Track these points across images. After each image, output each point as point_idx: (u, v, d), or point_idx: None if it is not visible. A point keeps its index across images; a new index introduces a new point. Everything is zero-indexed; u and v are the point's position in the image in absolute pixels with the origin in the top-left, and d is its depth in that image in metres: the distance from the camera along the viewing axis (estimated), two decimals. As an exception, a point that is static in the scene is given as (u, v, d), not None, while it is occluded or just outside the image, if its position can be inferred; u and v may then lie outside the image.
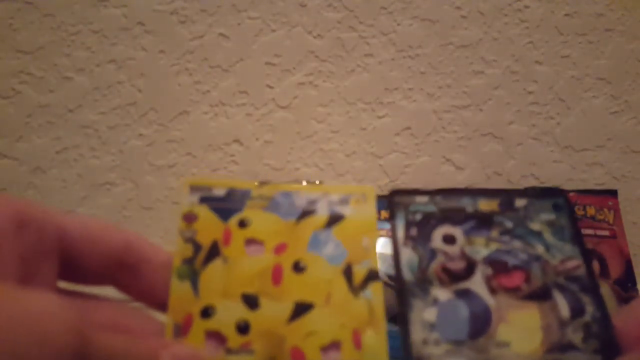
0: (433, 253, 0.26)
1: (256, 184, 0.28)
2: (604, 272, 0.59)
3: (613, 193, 0.64)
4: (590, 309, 0.25)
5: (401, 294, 0.25)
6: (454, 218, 0.27)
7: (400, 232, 0.27)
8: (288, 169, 0.63)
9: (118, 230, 0.24)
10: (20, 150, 0.60)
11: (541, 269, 0.25)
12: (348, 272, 0.26)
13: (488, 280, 0.25)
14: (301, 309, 0.25)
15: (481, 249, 0.26)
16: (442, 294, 0.25)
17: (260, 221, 0.27)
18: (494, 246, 0.26)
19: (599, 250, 0.60)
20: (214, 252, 0.27)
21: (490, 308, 0.24)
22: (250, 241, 0.27)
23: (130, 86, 0.62)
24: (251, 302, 0.25)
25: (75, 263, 0.23)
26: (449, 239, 0.26)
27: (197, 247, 0.27)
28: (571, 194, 0.63)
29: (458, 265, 0.25)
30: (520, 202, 0.27)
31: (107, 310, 0.24)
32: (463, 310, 0.25)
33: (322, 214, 0.27)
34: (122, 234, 0.24)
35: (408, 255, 0.26)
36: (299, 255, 0.27)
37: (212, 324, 0.25)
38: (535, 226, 0.27)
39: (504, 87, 0.66)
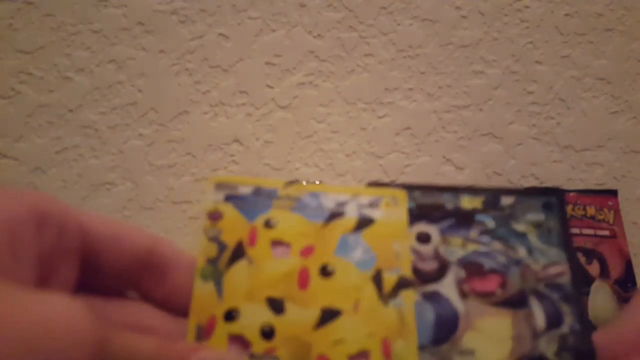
0: None
1: (283, 183, 0.27)
2: (604, 272, 0.59)
3: (613, 193, 0.64)
4: (569, 320, 0.23)
5: None
6: (432, 215, 0.26)
7: None
8: (288, 169, 0.63)
9: (142, 232, 0.24)
10: (20, 150, 0.60)
11: (520, 274, 0.24)
12: (378, 279, 0.25)
13: (460, 284, 0.24)
14: (328, 316, 0.24)
15: (457, 250, 0.25)
16: None
17: (287, 222, 0.27)
18: (471, 247, 0.25)
19: (599, 250, 0.60)
20: (239, 252, 0.26)
21: (459, 313, 0.23)
22: (276, 242, 0.26)
23: (130, 86, 0.62)
24: (276, 306, 0.25)
25: (96, 264, 0.22)
26: (424, 238, 0.25)
27: (221, 246, 0.26)
28: (571, 194, 0.63)
29: (430, 266, 0.24)
30: (507, 201, 0.26)
31: (130, 310, 0.23)
32: (429, 313, 0.23)
33: (351, 216, 0.26)
34: (146, 236, 0.24)
35: None
36: (326, 259, 0.26)
37: (236, 327, 0.24)
38: (520, 227, 0.25)
39: (504, 87, 0.66)
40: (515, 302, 0.23)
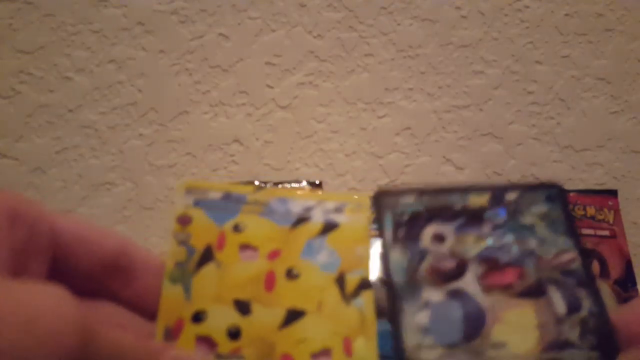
0: (422, 253, 0.25)
1: (252, 189, 0.28)
2: (604, 272, 0.59)
3: (613, 193, 0.64)
4: (586, 304, 0.24)
5: (392, 298, 0.24)
6: (443, 216, 0.26)
7: (389, 234, 0.26)
8: (288, 169, 0.63)
9: (112, 234, 0.24)
10: (20, 150, 0.60)
11: (535, 264, 0.25)
12: (341, 280, 0.26)
13: (480, 279, 0.24)
14: (293, 316, 0.25)
15: (472, 247, 0.25)
16: (433, 295, 0.24)
17: (255, 226, 0.27)
18: (484, 243, 0.25)
19: (599, 250, 0.60)
20: (207, 256, 0.26)
21: (484, 308, 0.24)
22: (244, 246, 0.27)
23: (130, 86, 0.62)
24: (243, 307, 0.25)
25: (66, 265, 0.23)
26: (439, 238, 0.25)
27: (190, 250, 0.27)
28: (571, 194, 0.63)
29: (448, 265, 0.25)
30: (511, 196, 0.26)
31: (101, 311, 0.24)
32: (456, 311, 0.24)
33: (317, 221, 0.27)
34: (115, 238, 0.24)
35: (397, 257, 0.25)
36: (292, 262, 0.26)
37: (203, 328, 0.25)
38: (527, 220, 0.26)
39: (504, 87, 0.66)
40: (535, 292, 0.24)
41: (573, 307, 0.24)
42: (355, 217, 0.27)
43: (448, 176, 0.65)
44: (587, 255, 0.25)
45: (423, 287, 0.24)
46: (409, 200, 0.26)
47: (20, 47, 0.60)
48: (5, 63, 0.60)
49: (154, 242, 0.61)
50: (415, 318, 0.24)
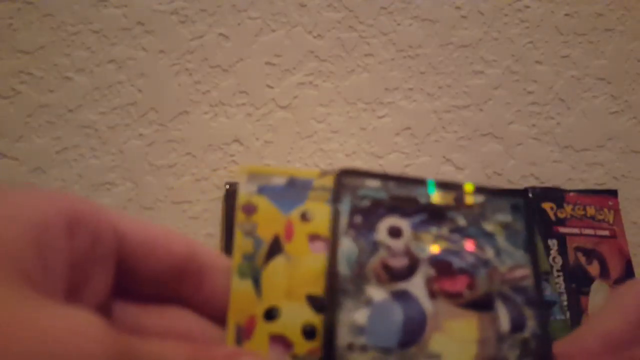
0: (375, 246, 0.23)
1: (317, 173, 0.25)
2: (604, 272, 0.59)
3: (613, 193, 0.64)
4: (531, 324, 0.22)
5: (332, 289, 0.22)
6: (404, 209, 0.24)
7: (344, 219, 0.23)
8: (288, 169, 0.63)
9: (180, 238, 0.22)
10: (20, 150, 0.60)
11: (487, 275, 0.23)
12: None
13: (429, 283, 0.22)
14: None
15: (427, 246, 0.23)
16: (377, 293, 0.22)
17: (324, 215, 0.24)
18: (441, 244, 0.23)
19: (599, 250, 0.60)
20: (275, 247, 0.24)
21: (427, 314, 0.22)
22: (313, 237, 0.24)
23: (130, 86, 0.62)
24: (317, 304, 0.23)
25: (132, 271, 0.21)
26: (395, 232, 0.23)
27: (257, 242, 0.24)
28: (571, 194, 0.63)
29: (400, 263, 0.23)
30: (477, 199, 0.24)
31: (168, 316, 0.22)
32: (397, 314, 0.22)
33: None
34: (183, 242, 0.22)
35: (348, 246, 0.23)
36: None
37: (276, 327, 0.22)
38: (489, 227, 0.24)
39: (504, 87, 0.66)
40: (482, 304, 0.23)
41: (517, 326, 0.22)
42: None
43: (448, 176, 0.65)
44: (539, 273, 0.24)
45: (368, 283, 0.22)
46: (372, 185, 0.24)
47: (20, 47, 0.60)
48: (5, 63, 0.60)
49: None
50: (352, 315, 0.22)
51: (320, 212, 0.25)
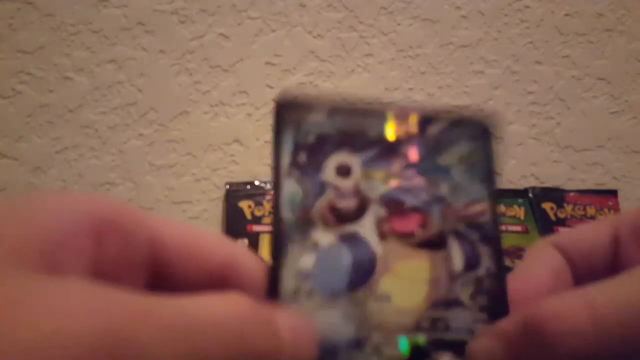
0: (322, 187, 0.21)
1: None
2: (604, 272, 0.59)
3: (613, 193, 0.64)
4: (485, 262, 0.21)
5: (276, 236, 0.21)
6: (354, 144, 0.22)
7: (286, 158, 0.21)
8: (288, 169, 0.63)
9: (221, 244, 0.21)
10: (20, 150, 0.60)
11: (441, 212, 0.22)
12: None
13: (379, 223, 0.21)
14: None
15: (379, 185, 0.22)
16: (324, 237, 0.21)
17: None
18: (393, 182, 0.22)
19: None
20: None
21: (376, 256, 0.21)
22: None
23: (130, 86, 0.62)
24: None
25: (166, 277, 0.20)
26: (344, 171, 0.21)
27: None
28: (571, 194, 0.63)
29: (349, 204, 0.21)
30: (434, 129, 0.22)
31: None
32: (345, 257, 0.21)
33: None
34: (224, 249, 0.21)
35: (291, 188, 0.21)
36: None
37: None
38: (445, 160, 0.22)
39: (504, 87, 0.66)
40: (434, 243, 0.22)
41: (470, 264, 0.21)
42: None
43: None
44: (497, 207, 0.22)
45: (315, 227, 0.21)
46: (317, 119, 0.22)
47: (20, 47, 0.60)
48: (6, 63, 0.60)
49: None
50: (298, 261, 0.20)
51: None
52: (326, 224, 0.21)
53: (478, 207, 0.22)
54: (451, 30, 0.66)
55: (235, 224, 0.58)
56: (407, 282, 0.21)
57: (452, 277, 0.21)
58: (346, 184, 0.21)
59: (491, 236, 0.22)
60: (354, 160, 0.22)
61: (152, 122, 0.62)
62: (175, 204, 0.61)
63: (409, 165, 0.22)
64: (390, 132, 0.22)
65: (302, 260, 0.21)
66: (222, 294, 0.17)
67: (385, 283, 0.21)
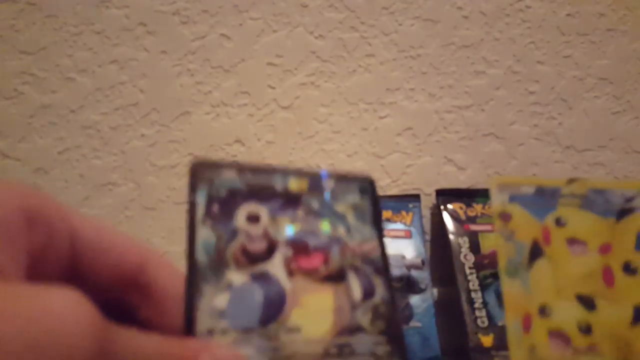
0: (234, 233, 0.24)
1: (564, 181, 0.28)
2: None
3: (615, 193, 0.64)
4: (380, 291, 0.25)
5: (191, 278, 0.22)
6: (261, 196, 0.25)
7: (200, 210, 0.24)
8: (290, 169, 0.63)
9: (135, 247, 0.22)
10: (22, 150, 0.60)
11: (340, 250, 0.25)
12: None
13: (287, 262, 0.24)
14: None
15: (284, 229, 0.25)
16: (237, 277, 0.23)
17: (578, 220, 0.27)
18: (297, 227, 0.25)
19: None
20: (537, 251, 0.27)
21: (286, 292, 0.23)
22: (571, 240, 0.27)
23: (132, 87, 0.62)
24: (588, 303, 0.25)
25: (82, 272, 0.21)
26: (253, 218, 0.24)
27: (518, 246, 0.27)
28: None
29: (259, 246, 0.24)
30: (329, 184, 0.26)
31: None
32: (257, 294, 0.23)
33: None
34: (139, 251, 0.22)
35: (205, 235, 0.23)
36: (627, 255, 0.26)
37: (553, 323, 0.25)
38: (340, 208, 0.26)
39: (506, 87, 0.66)
40: (336, 277, 0.24)
41: (368, 293, 0.25)
42: None
43: (449, 176, 0.65)
44: (384, 244, 0.26)
45: (228, 268, 0.23)
46: (228, 176, 0.25)
47: (22, 48, 0.61)
48: (8, 64, 0.60)
49: (156, 243, 0.61)
50: (212, 301, 0.22)
51: (574, 217, 0.27)
52: (239, 265, 0.23)
53: (370, 245, 0.26)
54: (452, 31, 0.66)
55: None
56: (314, 314, 0.23)
57: (353, 305, 0.24)
58: (256, 229, 0.24)
59: (382, 269, 0.25)
60: (262, 209, 0.25)
61: (154, 122, 0.62)
62: (177, 204, 0.61)
63: (310, 212, 0.25)
64: (294, 185, 0.26)
65: (216, 300, 0.22)
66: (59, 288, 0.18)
67: (295, 316, 0.23)
